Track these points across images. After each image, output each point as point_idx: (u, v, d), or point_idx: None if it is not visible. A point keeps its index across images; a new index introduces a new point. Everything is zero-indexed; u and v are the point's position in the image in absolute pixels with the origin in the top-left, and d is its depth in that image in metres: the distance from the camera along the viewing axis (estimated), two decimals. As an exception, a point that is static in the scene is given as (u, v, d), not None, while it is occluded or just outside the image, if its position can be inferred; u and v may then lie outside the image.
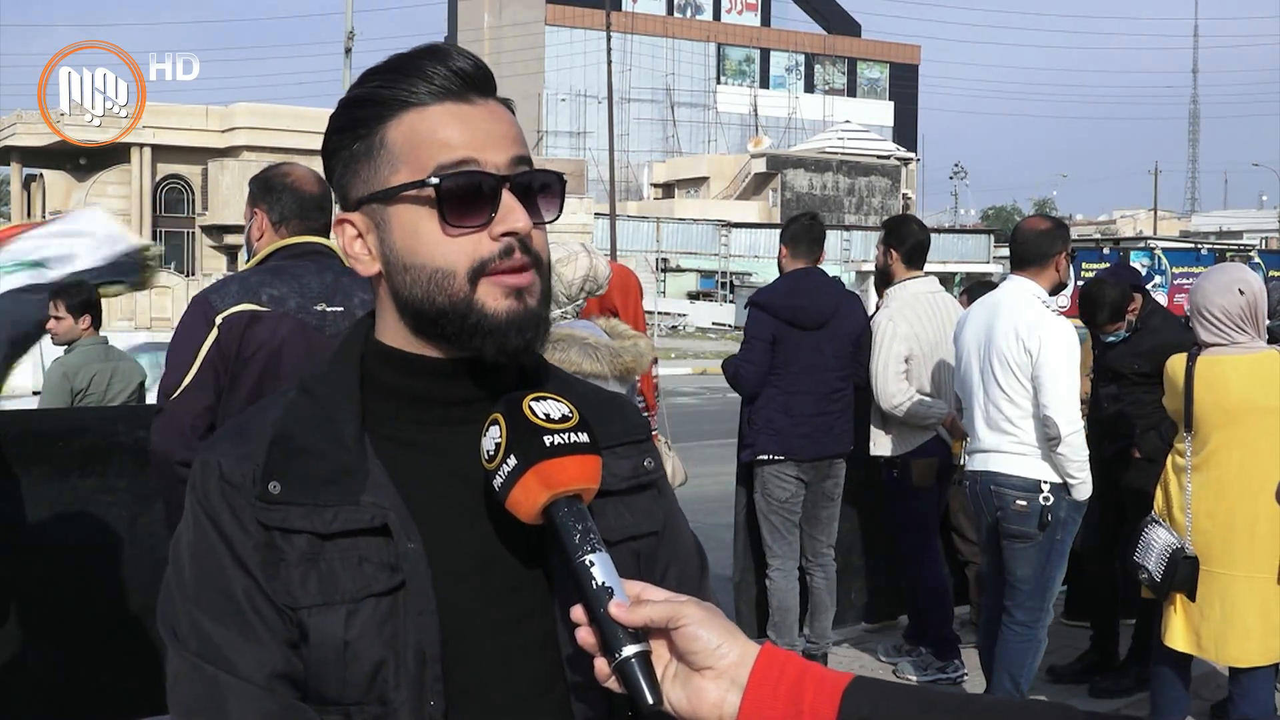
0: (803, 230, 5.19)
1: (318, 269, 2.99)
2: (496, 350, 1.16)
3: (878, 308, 5.40)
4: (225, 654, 1.10)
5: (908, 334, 5.17)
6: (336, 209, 1.27)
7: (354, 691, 1.12)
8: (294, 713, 1.10)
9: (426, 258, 1.15)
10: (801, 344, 5.01)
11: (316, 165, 3.29)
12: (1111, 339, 5.23)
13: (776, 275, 5.28)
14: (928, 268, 5.50)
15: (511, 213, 1.15)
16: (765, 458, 5.08)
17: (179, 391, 2.89)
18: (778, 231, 5.76)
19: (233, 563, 1.13)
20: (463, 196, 1.14)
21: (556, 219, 1.21)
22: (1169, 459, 4.23)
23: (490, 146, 1.16)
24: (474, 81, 1.18)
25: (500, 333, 1.15)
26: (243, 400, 2.85)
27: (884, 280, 5.39)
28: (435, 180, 1.14)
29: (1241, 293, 4.00)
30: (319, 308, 2.93)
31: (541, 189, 1.19)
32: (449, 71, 1.16)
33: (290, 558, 1.12)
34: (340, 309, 2.94)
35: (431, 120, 1.16)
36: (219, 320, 2.88)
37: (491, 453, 1.11)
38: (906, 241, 5.31)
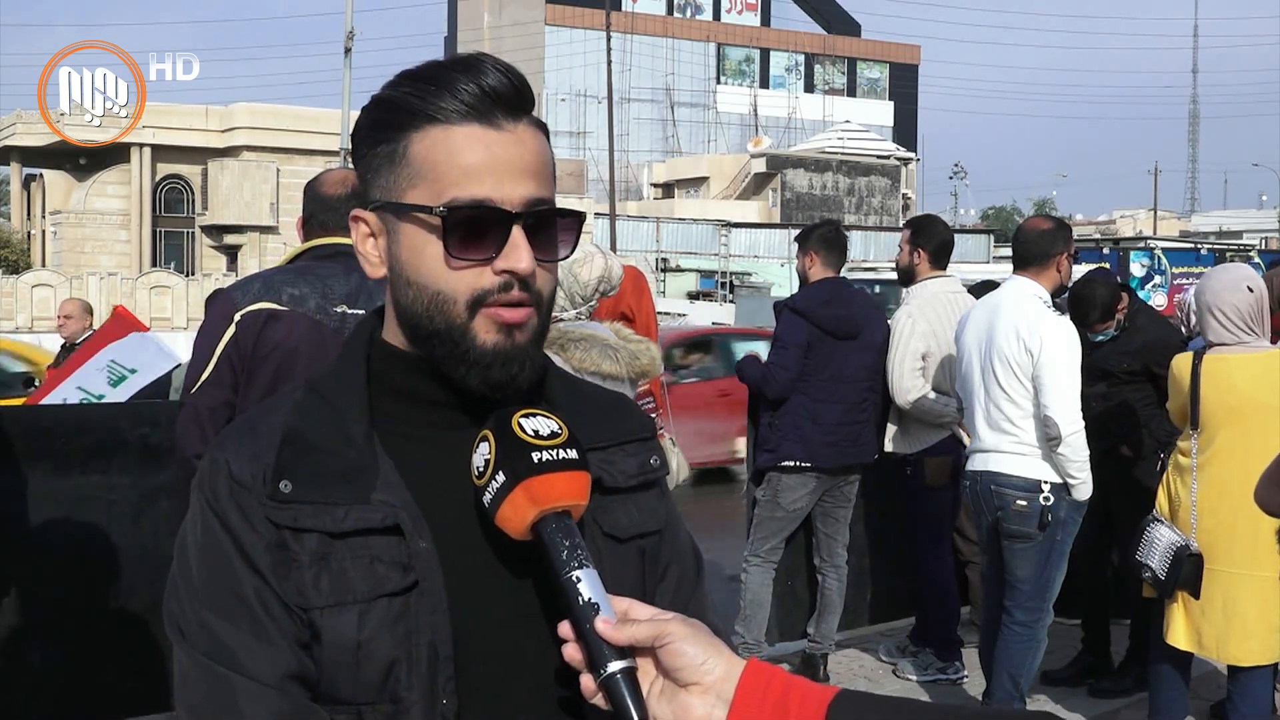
0: (833, 238, 5.18)
1: (344, 271, 3.00)
2: (480, 381, 1.16)
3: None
4: (236, 655, 1.10)
5: (926, 331, 5.18)
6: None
7: (367, 691, 1.12)
8: (306, 713, 1.10)
9: (429, 280, 1.16)
10: (834, 353, 5.01)
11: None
12: (1100, 338, 5.24)
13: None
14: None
15: (516, 250, 1.15)
16: (789, 464, 5.05)
17: (197, 386, 2.91)
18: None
19: (242, 563, 1.12)
20: (469, 231, 1.14)
21: (568, 256, 1.21)
22: (1172, 457, 4.23)
23: (508, 181, 1.15)
24: (505, 101, 1.16)
25: (485, 365, 1.16)
26: (258, 398, 2.85)
27: (906, 279, 5.40)
28: (443, 210, 1.14)
29: (1251, 290, 4.02)
30: (339, 310, 2.94)
31: (556, 226, 1.19)
32: (480, 89, 1.15)
33: (302, 558, 1.12)
34: (362, 312, 2.93)
35: (454, 143, 1.15)
36: (237, 317, 2.89)
37: (481, 469, 1.12)
38: (934, 240, 5.33)
